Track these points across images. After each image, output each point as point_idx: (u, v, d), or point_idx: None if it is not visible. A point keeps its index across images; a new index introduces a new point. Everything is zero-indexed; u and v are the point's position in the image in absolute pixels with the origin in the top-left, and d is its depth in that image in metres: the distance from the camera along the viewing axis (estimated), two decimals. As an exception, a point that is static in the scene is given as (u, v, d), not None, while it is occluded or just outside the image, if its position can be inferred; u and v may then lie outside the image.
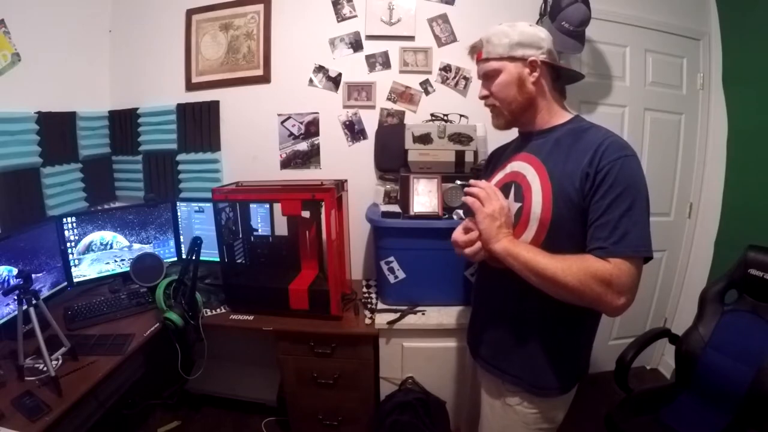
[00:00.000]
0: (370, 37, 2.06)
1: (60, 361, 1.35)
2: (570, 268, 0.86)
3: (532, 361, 1.03)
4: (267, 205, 2.02)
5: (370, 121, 2.12)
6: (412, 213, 1.74)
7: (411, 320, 1.68)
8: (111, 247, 1.94)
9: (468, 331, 1.27)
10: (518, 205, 1.01)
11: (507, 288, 1.03)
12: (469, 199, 1.02)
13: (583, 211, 0.91)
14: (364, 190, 2.10)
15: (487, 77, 1.04)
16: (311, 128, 2.15)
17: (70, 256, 1.82)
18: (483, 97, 1.07)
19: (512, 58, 0.99)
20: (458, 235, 1.06)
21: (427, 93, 2.09)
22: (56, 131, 1.90)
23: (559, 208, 0.93)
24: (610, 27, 2.05)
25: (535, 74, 1.00)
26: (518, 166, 1.06)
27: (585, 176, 0.90)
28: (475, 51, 1.06)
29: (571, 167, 0.93)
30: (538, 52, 0.99)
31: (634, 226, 0.86)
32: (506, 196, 1.05)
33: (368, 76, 2.09)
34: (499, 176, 1.12)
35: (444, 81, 2.08)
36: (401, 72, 2.08)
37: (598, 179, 0.88)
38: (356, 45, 2.07)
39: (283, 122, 2.16)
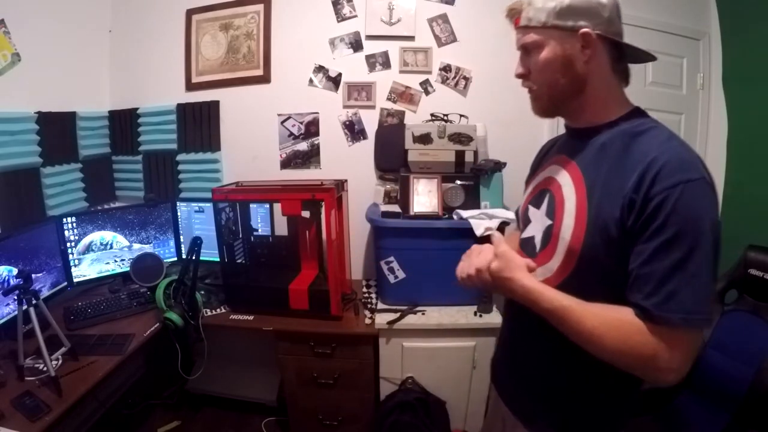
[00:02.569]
0: (370, 37, 2.06)
1: (60, 361, 1.35)
2: (610, 330, 0.67)
3: (562, 412, 0.85)
4: (267, 205, 2.02)
5: (370, 121, 2.12)
6: (412, 213, 1.74)
7: (411, 320, 1.68)
8: (111, 247, 1.94)
9: (494, 359, 1.07)
10: (549, 222, 0.83)
11: (541, 323, 0.79)
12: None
13: (623, 247, 0.69)
14: (364, 190, 2.10)
15: (526, 51, 0.81)
16: (311, 128, 2.15)
17: (70, 256, 1.82)
18: (519, 76, 0.85)
19: (558, 28, 0.75)
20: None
21: (427, 93, 2.09)
22: (56, 131, 1.90)
23: (594, 239, 0.72)
24: (610, 27, 2.05)
25: (588, 52, 0.75)
26: (556, 171, 0.86)
27: (629, 204, 0.67)
28: (514, 15, 0.82)
29: (614, 187, 0.71)
30: (594, 22, 0.74)
31: (688, 284, 0.63)
32: (538, 206, 0.88)
33: (368, 76, 2.09)
34: (538, 179, 0.93)
35: (444, 81, 2.08)
36: (401, 72, 2.08)
37: (647, 212, 0.65)
38: (356, 45, 2.07)
39: (283, 122, 2.16)
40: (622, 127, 0.77)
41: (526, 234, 0.90)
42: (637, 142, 0.73)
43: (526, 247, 0.90)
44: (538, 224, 0.87)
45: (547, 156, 0.96)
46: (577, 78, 0.77)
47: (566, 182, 0.81)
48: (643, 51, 0.79)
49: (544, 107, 0.84)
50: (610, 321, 0.68)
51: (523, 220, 0.94)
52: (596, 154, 0.78)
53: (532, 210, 0.91)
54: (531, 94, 0.85)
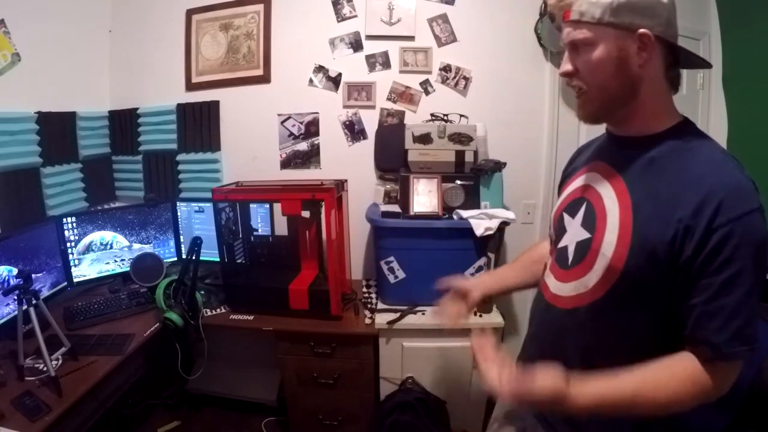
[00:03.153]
0: (370, 37, 2.06)
1: (60, 361, 1.35)
2: (684, 391, 0.67)
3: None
4: (267, 205, 2.02)
5: (370, 121, 2.12)
6: (412, 213, 1.74)
7: (411, 320, 1.68)
8: (111, 247, 1.94)
9: (523, 360, 1.02)
10: (587, 236, 0.78)
11: (569, 341, 0.81)
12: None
13: (671, 271, 0.67)
14: (364, 190, 2.10)
15: (575, 48, 0.74)
16: (311, 128, 2.15)
17: (70, 256, 1.82)
18: (566, 74, 0.77)
19: (614, 26, 0.69)
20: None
21: (427, 93, 2.09)
22: (56, 131, 1.89)
23: (639, 261, 0.69)
24: (610, 27, 2.04)
25: (644, 54, 0.69)
26: (596, 180, 0.81)
27: (685, 231, 0.65)
28: (563, 7, 0.74)
29: (664, 208, 0.68)
30: (653, 22, 0.68)
31: (752, 317, 0.64)
32: (573, 215, 0.84)
33: (368, 76, 2.09)
34: (573, 186, 0.88)
35: (444, 81, 2.07)
36: (401, 72, 2.07)
37: (710, 244, 0.63)
38: (356, 45, 2.07)
39: (283, 122, 2.16)
40: (672, 143, 0.72)
41: (561, 244, 0.86)
42: (690, 162, 0.69)
43: (560, 258, 0.86)
44: (572, 234, 0.83)
45: (582, 161, 0.91)
46: (631, 82, 0.71)
47: (608, 194, 0.76)
48: (699, 57, 0.75)
49: (593, 112, 0.77)
50: (680, 382, 0.67)
51: (557, 228, 0.90)
52: (644, 169, 0.73)
53: (567, 218, 0.86)
54: (580, 99, 0.78)
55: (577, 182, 0.88)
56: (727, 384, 0.68)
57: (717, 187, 0.64)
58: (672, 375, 0.68)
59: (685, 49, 0.73)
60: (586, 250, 0.78)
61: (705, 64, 0.77)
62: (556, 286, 0.86)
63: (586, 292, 0.77)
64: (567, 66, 0.76)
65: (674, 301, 0.69)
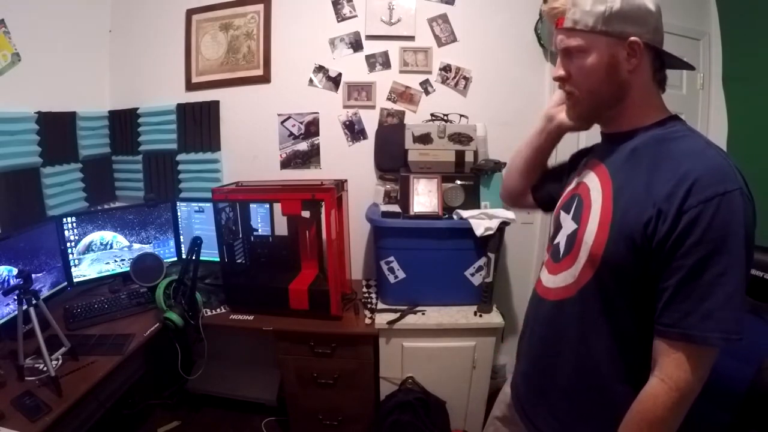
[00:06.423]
0: (370, 37, 2.06)
1: (60, 361, 1.35)
2: (673, 417, 0.67)
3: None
4: (267, 205, 2.02)
5: (370, 121, 2.12)
6: (412, 213, 1.74)
7: (411, 320, 1.68)
8: (111, 247, 1.94)
9: (514, 376, 1.03)
10: (574, 227, 0.81)
11: (560, 334, 0.82)
12: None
13: (647, 256, 0.68)
14: (364, 190, 2.10)
15: (567, 54, 0.77)
16: (311, 128, 2.15)
17: (70, 256, 1.82)
18: (558, 79, 0.80)
19: (606, 34, 0.72)
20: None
21: (427, 93, 2.09)
22: (56, 131, 1.89)
23: (617, 246, 0.70)
24: (610, 27, 2.04)
25: (634, 61, 0.72)
26: (586, 175, 0.84)
27: (657, 215, 0.65)
28: (557, 15, 0.76)
29: (642, 193, 0.69)
30: (642, 30, 0.71)
31: (726, 303, 0.62)
32: (568, 211, 0.87)
33: (368, 76, 2.09)
34: (572, 185, 0.91)
35: (444, 81, 2.08)
36: (401, 72, 2.07)
37: (680, 226, 0.63)
38: (356, 45, 2.07)
39: (283, 122, 2.16)
40: (655, 133, 0.75)
41: (556, 240, 0.89)
42: (669, 149, 0.70)
43: (554, 252, 0.88)
44: (564, 229, 0.86)
45: (580, 163, 0.94)
46: (620, 86, 0.75)
47: (594, 186, 0.80)
48: (682, 60, 0.77)
49: (582, 114, 0.82)
50: (659, 405, 0.67)
51: (555, 226, 0.93)
52: (626, 159, 0.76)
53: (563, 215, 0.89)
54: (570, 99, 0.82)
55: (575, 181, 0.91)
56: (703, 372, 0.66)
57: (691, 171, 0.64)
58: (645, 408, 0.68)
59: (669, 53, 0.76)
60: (573, 241, 0.80)
61: (688, 66, 0.79)
62: (548, 279, 0.88)
63: (574, 281, 0.79)
64: (560, 71, 0.79)
65: (651, 286, 0.69)
